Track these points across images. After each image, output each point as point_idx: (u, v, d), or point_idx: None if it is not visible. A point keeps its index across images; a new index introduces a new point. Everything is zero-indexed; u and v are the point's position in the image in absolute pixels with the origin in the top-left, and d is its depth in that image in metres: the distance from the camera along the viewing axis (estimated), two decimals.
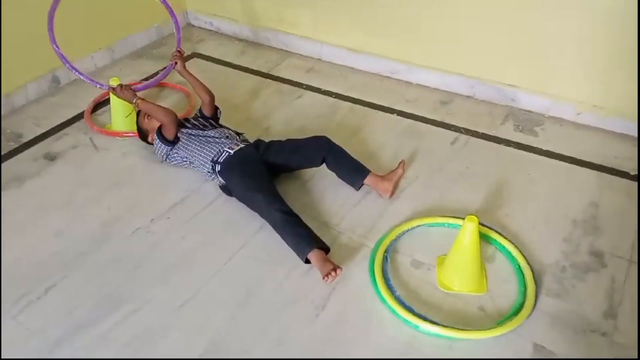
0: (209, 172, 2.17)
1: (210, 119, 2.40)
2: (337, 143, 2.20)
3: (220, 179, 2.15)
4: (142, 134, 2.39)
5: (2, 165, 2.36)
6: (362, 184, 2.16)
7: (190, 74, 2.45)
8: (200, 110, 2.44)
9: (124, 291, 1.81)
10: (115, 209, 2.14)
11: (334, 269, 1.77)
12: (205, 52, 3.33)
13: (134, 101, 2.27)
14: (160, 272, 1.88)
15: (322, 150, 2.16)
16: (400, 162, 2.19)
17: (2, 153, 2.43)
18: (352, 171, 2.17)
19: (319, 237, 1.90)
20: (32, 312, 1.75)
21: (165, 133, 2.24)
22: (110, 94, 2.51)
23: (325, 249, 1.86)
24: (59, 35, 2.82)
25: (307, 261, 1.85)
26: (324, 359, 1.61)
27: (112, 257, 1.94)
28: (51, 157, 2.43)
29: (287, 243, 1.90)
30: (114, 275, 1.87)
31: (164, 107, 2.28)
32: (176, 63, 2.44)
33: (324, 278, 1.78)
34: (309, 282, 1.84)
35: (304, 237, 1.87)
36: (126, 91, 2.29)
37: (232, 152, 2.13)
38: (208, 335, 1.67)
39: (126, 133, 2.54)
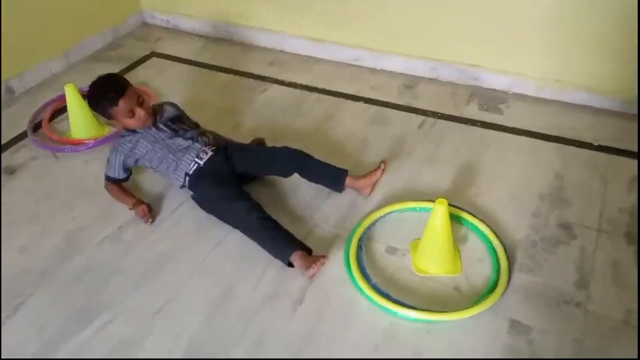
0: (177, 180, 2.08)
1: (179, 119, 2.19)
2: (309, 154, 2.09)
3: (190, 191, 2.08)
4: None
5: None
6: (344, 187, 2.10)
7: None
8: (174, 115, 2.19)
9: (96, 303, 1.77)
10: (82, 219, 2.09)
11: (316, 259, 1.75)
12: (164, 50, 3.26)
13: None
14: (132, 280, 1.84)
15: (293, 167, 2.08)
16: (380, 163, 2.10)
17: None
18: (329, 179, 2.10)
19: (299, 240, 1.86)
20: (3, 333, 1.69)
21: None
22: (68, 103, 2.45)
23: (308, 251, 1.84)
24: (9, 43, 2.74)
25: (290, 265, 1.82)
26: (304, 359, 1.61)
27: (82, 268, 1.89)
28: (10, 171, 2.35)
29: (267, 249, 1.86)
30: (84, 287, 1.82)
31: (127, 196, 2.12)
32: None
33: (307, 269, 1.75)
34: (285, 277, 1.83)
35: (285, 241, 1.84)
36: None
37: (201, 163, 2.04)
38: (186, 340, 1.65)
39: (87, 140, 2.47)
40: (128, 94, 1.96)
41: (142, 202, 2.07)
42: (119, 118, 2.00)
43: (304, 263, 1.77)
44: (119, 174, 2.10)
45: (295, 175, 2.13)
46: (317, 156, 2.12)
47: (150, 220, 2.03)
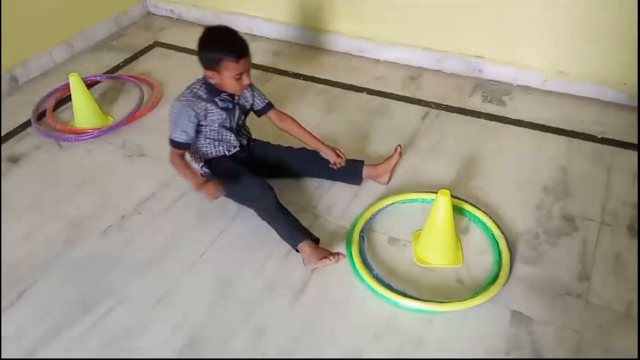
0: (198, 160, 2.02)
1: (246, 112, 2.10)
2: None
3: (205, 169, 2.02)
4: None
5: None
6: (362, 179, 2.11)
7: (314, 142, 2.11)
8: (263, 108, 2.11)
9: (98, 291, 1.78)
10: (85, 208, 2.09)
11: (331, 253, 1.75)
12: (167, 40, 3.25)
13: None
14: (135, 269, 1.85)
15: (307, 170, 2.12)
16: (396, 148, 2.09)
17: None
18: (346, 175, 2.11)
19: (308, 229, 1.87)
20: (6, 319, 1.71)
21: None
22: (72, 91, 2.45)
23: (316, 241, 1.85)
24: (13, 33, 2.74)
25: (297, 250, 1.83)
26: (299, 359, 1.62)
27: (84, 257, 1.90)
28: (14, 159, 2.36)
29: (278, 230, 1.87)
30: (87, 276, 1.83)
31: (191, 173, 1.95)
32: None
33: (320, 260, 1.74)
34: (287, 267, 1.84)
35: (298, 227, 1.85)
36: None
37: (228, 154, 2.03)
38: (188, 329, 1.66)
39: (91, 129, 2.47)
40: (249, 57, 1.86)
41: (208, 181, 1.87)
42: (224, 74, 1.83)
43: (315, 252, 1.77)
44: (189, 134, 1.90)
45: None
46: None
47: (224, 194, 1.88)
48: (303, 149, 2.14)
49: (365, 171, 2.10)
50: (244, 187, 1.94)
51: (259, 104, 2.10)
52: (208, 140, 2.00)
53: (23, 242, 1.97)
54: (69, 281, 1.82)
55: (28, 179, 2.25)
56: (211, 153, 2.02)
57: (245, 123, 2.11)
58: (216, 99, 1.92)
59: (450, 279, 1.79)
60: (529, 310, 1.68)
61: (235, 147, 2.04)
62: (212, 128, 1.96)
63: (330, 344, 1.61)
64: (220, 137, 2.00)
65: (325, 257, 1.75)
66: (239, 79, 1.86)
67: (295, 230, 1.84)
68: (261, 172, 2.02)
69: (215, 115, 1.94)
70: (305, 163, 2.13)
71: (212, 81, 1.89)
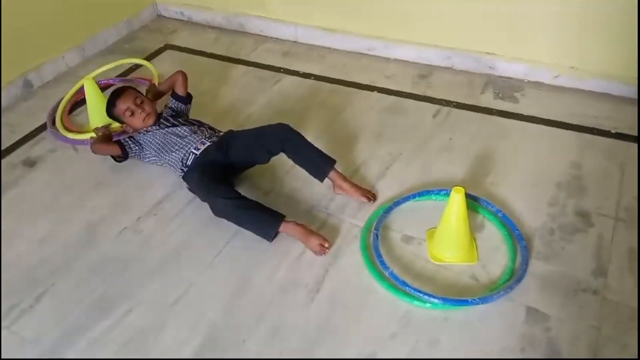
0: (179, 174, 2.14)
1: (181, 114, 2.36)
2: (298, 131, 2.06)
3: (185, 182, 2.13)
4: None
5: None
6: (326, 177, 2.05)
7: (163, 85, 2.47)
8: (174, 100, 2.37)
9: (115, 293, 1.80)
10: (100, 210, 2.12)
11: (322, 243, 1.84)
12: (178, 43, 3.27)
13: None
14: (150, 271, 1.87)
15: (280, 143, 2.04)
16: (371, 194, 2.07)
17: None
18: (314, 164, 2.06)
19: (273, 209, 1.91)
20: (25, 322, 1.73)
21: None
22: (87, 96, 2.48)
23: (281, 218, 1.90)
24: (26, 37, 2.77)
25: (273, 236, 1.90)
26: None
27: (101, 259, 1.93)
28: (30, 163, 2.39)
29: (248, 229, 1.90)
30: (104, 278, 1.86)
31: (111, 147, 2.23)
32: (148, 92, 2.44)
33: (318, 252, 1.83)
34: (301, 267, 1.84)
35: (265, 215, 1.88)
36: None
37: (197, 153, 2.08)
38: (204, 329, 1.68)
39: None
40: (127, 95, 2.23)
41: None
42: (123, 119, 2.26)
43: (307, 240, 1.86)
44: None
45: None
46: (332, 146, 2.13)
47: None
48: (276, 124, 2.08)
49: (332, 175, 2.04)
50: (211, 207, 1.96)
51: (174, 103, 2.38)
52: (165, 152, 2.18)
53: (40, 245, 1.99)
54: (87, 283, 1.84)
55: (44, 182, 2.28)
56: (182, 157, 2.12)
57: (186, 120, 2.29)
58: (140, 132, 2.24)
59: (465, 277, 1.79)
60: (545, 307, 1.67)
61: (202, 142, 2.12)
62: (156, 139, 2.21)
63: (345, 343, 1.62)
64: (169, 140, 2.17)
65: (319, 250, 1.85)
66: (131, 115, 2.22)
67: (263, 220, 1.88)
68: (242, 165, 2.16)
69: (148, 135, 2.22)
70: (276, 141, 2.05)
71: (130, 130, 2.30)
